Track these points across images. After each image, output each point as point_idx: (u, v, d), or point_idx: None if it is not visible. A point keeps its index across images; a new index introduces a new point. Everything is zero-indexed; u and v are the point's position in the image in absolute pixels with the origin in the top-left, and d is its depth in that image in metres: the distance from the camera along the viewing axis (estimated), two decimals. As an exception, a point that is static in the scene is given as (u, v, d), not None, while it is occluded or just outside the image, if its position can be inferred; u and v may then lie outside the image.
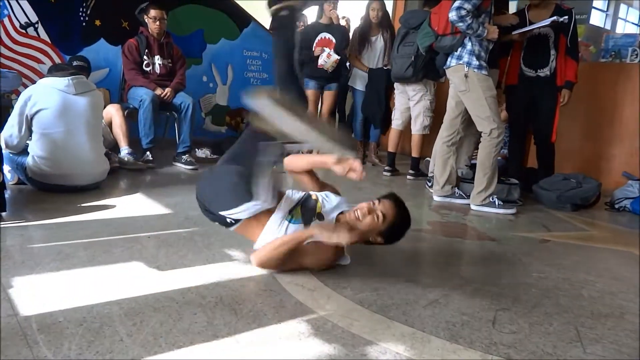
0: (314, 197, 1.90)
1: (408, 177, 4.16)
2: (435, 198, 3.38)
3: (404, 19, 3.92)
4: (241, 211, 1.71)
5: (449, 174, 3.32)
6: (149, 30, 3.88)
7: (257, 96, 1.55)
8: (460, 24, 2.95)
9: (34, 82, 3.40)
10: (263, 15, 5.54)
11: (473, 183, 3.24)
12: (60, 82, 2.70)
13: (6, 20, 3.78)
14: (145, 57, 3.86)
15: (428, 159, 4.01)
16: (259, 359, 1.25)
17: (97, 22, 4.15)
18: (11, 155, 2.66)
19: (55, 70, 2.89)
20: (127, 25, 4.25)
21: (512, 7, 4.13)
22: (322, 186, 2.01)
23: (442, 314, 1.57)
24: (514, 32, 3.41)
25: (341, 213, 1.87)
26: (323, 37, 4.30)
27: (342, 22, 4.52)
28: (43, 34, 3.93)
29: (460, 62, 3.09)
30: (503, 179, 3.36)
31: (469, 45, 3.07)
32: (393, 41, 4.13)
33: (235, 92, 5.12)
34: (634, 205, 3.45)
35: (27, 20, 3.85)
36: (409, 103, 4.08)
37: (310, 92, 4.40)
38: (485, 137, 3.09)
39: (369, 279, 1.81)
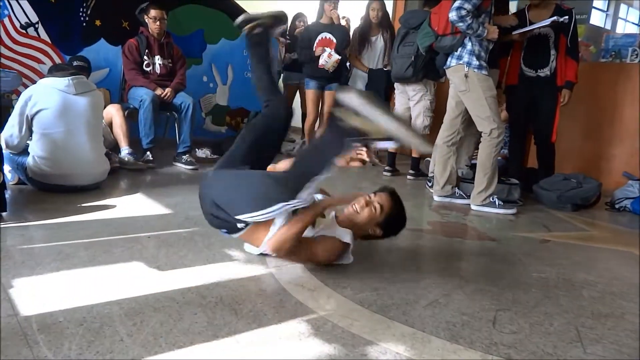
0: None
1: (408, 177, 4.16)
2: (436, 198, 3.38)
3: (403, 19, 3.91)
4: (271, 212, 1.69)
5: (449, 174, 3.32)
6: (149, 31, 3.88)
7: (346, 91, 1.58)
8: (461, 24, 2.94)
9: (34, 82, 3.40)
10: (263, 16, 5.56)
11: (473, 183, 3.24)
12: (61, 82, 2.70)
13: (6, 21, 3.78)
14: (145, 57, 3.86)
15: (428, 159, 4.01)
16: (259, 359, 1.25)
17: (98, 22, 4.15)
18: (11, 155, 2.66)
19: (56, 70, 2.89)
20: (127, 25, 4.25)
21: (512, 7, 4.12)
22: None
23: (443, 314, 1.57)
24: (514, 32, 3.41)
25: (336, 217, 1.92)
26: (324, 37, 4.30)
27: (342, 22, 4.52)
28: (43, 34, 3.93)
29: (461, 62, 3.09)
30: (503, 179, 3.36)
31: (469, 45, 3.07)
32: (393, 41, 4.12)
33: (236, 92, 5.12)
34: (635, 205, 3.44)
35: (27, 21, 3.85)
36: (409, 103, 4.08)
37: (311, 92, 4.40)
38: (486, 137, 3.08)
39: (369, 279, 1.81)
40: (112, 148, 3.48)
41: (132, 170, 3.41)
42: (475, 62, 3.05)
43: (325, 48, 4.21)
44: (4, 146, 2.55)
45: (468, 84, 3.07)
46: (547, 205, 3.44)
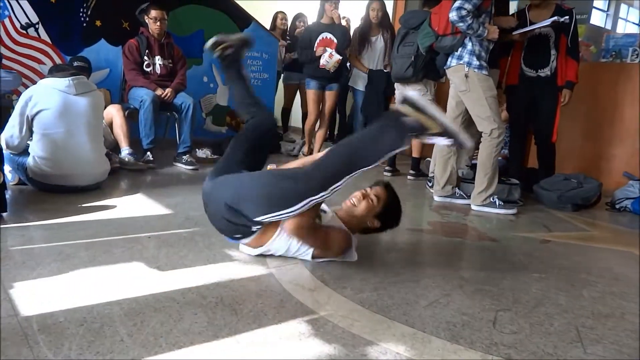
0: None
1: (409, 177, 4.16)
2: (436, 198, 3.38)
3: (403, 19, 3.91)
4: (298, 208, 1.71)
5: (450, 174, 3.32)
6: (150, 31, 3.88)
7: (409, 89, 1.62)
8: (461, 24, 2.94)
9: (34, 82, 3.39)
10: (263, 16, 5.56)
11: (474, 183, 3.24)
12: (61, 83, 2.70)
13: (7, 21, 3.78)
14: (145, 57, 3.86)
15: (429, 159, 4.01)
16: (259, 359, 1.25)
17: (98, 23, 4.15)
18: (12, 155, 2.66)
19: (56, 70, 2.89)
20: (127, 26, 4.25)
21: (513, 7, 4.12)
22: None
23: (443, 314, 1.57)
24: (514, 32, 3.41)
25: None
26: (324, 37, 4.29)
27: (343, 22, 4.52)
28: (44, 35, 3.93)
29: (461, 62, 3.09)
30: (504, 179, 3.36)
31: (469, 46, 3.07)
32: (393, 41, 4.12)
33: (236, 93, 5.11)
34: (635, 205, 3.44)
35: (27, 21, 3.85)
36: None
37: (312, 92, 4.40)
38: (486, 137, 3.08)
39: (369, 279, 1.81)
40: (113, 148, 3.48)
41: (133, 170, 3.41)
42: (475, 62, 3.05)
43: (326, 48, 4.20)
44: (4, 146, 2.55)
45: (468, 84, 3.07)
46: (548, 205, 3.44)
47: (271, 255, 1.92)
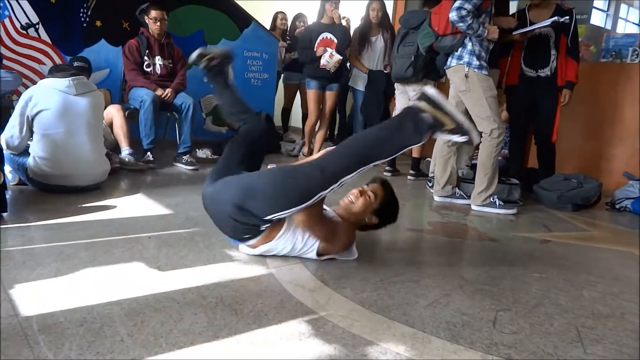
0: None
1: (409, 177, 4.16)
2: (436, 198, 3.38)
3: (403, 19, 3.91)
4: (306, 205, 1.73)
5: (450, 174, 3.32)
6: (150, 31, 3.88)
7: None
8: (461, 24, 2.95)
9: (34, 82, 3.39)
10: (263, 16, 5.56)
11: (474, 183, 3.24)
12: (61, 83, 2.70)
13: (7, 21, 3.78)
14: (145, 57, 3.87)
15: (429, 159, 4.01)
16: (259, 359, 1.25)
17: (98, 23, 4.15)
18: (12, 155, 2.66)
19: (56, 71, 2.89)
20: (127, 26, 4.25)
21: (513, 7, 4.12)
22: None
23: (443, 314, 1.57)
24: (514, 32, 3.41)
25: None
26: (325, 37, 4.29)
27: (343, 22, 4.52)
28: (44, 35, 3.93)
29: (461, 62, 3.09)
30: (504, 179, 3.36)
31: (469, 46, 3.07)
32: (393, 41, 4.12)
33: (236, 93, 5.11)
34: (635, 205, 3.44)
35: (27, 21, 3.85)
36: (410, 103, 4.07)
37: (312, 92, 4.40)
38: (486, 137, 3.08)
39: (370, 279, 1.81)
40: (113, 148, 3.48)
41: (133, 170, 3.41)
42: (475, 62, 3.05)
43: (327, 48, 4.20)
44: (4, 147, 2.55)
45: (468, 84, 3.07)
46: (548, 205, 3.44)
47: (271, 256, 1.92)
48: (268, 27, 5.51)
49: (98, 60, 4.08)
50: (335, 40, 4.26)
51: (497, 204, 3.14)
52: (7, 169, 2.62)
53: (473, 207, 3.20)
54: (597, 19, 6.94)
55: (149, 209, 2.56)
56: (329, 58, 4.15)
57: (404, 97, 4.11)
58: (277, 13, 5.79)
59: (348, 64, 4.77)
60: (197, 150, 4.18)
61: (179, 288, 1.60)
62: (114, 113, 3.52)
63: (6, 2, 3.74)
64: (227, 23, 4.92)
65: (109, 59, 4.23)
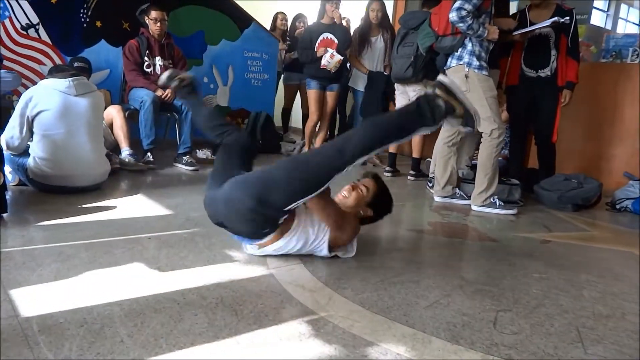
0: None
1: (409, 177, 4.16)
2: (436, 199, 3.38)
3: (403, 19, 3.91)
4: (326, 185, 1.77)
5: (450, 175, 3.32)
6: (150, 32, 3.88)
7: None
8: (461, 24, 2.95)
9: (34, 83, 3.40)
10: (263, 16, 5.56)
11: (474, 184, 3.24)
12: (61, 83, 2.70)
13: (7, 22, 3.78)
14: (146, 58, 3.87)
15: (429, 159, 4.01)
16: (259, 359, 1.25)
17: (98, 23, 4.15)
18: (12, 156, 2.66)
19: (56, 71, 2.89)
20: (127, 27, 4.25)
21: (513, 7, 4.13)
22: None
23: (443, 315, 1.57)
24: (514, 33, 3.41)
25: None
26: (325, 37, 4.29)
27: (343, 23, 4.52)
28: (44, 35, 3.93)
29: (461, 62, 3.09)
30: (504, 180, 3.36)
31: (469, 46, 3.07)
32: (393, 42, 4.12)
33: (236, 93, 5.12)
34: (635, 205, 3.44)
35: (28, 22, 3.85)
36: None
37: (313, 92, 4.40)
38: (486, 137, 3.08)
39: (370, 280, 1.81)
40: (113, 149, 3.48)
41: (133, 171, 3.41)
42: (475, 62, 3.05)
43: (328, 48, 4.20)
44: (4, 147, 2.55)
45: (468, 84, 3.07)
46: (548, 205, 3.44)
47: (271, 256, 1.93)
48: (268, 27, 5.52)
49: (98, 61, 4.08)
50: (336, 41, 4.26)
51: (498, 204, 3.14)
52: (7, 169, 2.62)
53: (473, 207, 3.19)
54: (597, 19, 6.93)
55: (149, 209, 2.56)
56: (330, 58, 4.16)
57: (404, 97, 4.11)
58: (277, 13, 5.79)
59: (348, 65, 4.78)
60: (197, 150, 4.19)
61: (179, 289, 1.60)
62: (114, 113, 3.52)
63: (6, 2, 3.74)
64: (227, 23, 4.93)
65: (109, 60, 4.23)
